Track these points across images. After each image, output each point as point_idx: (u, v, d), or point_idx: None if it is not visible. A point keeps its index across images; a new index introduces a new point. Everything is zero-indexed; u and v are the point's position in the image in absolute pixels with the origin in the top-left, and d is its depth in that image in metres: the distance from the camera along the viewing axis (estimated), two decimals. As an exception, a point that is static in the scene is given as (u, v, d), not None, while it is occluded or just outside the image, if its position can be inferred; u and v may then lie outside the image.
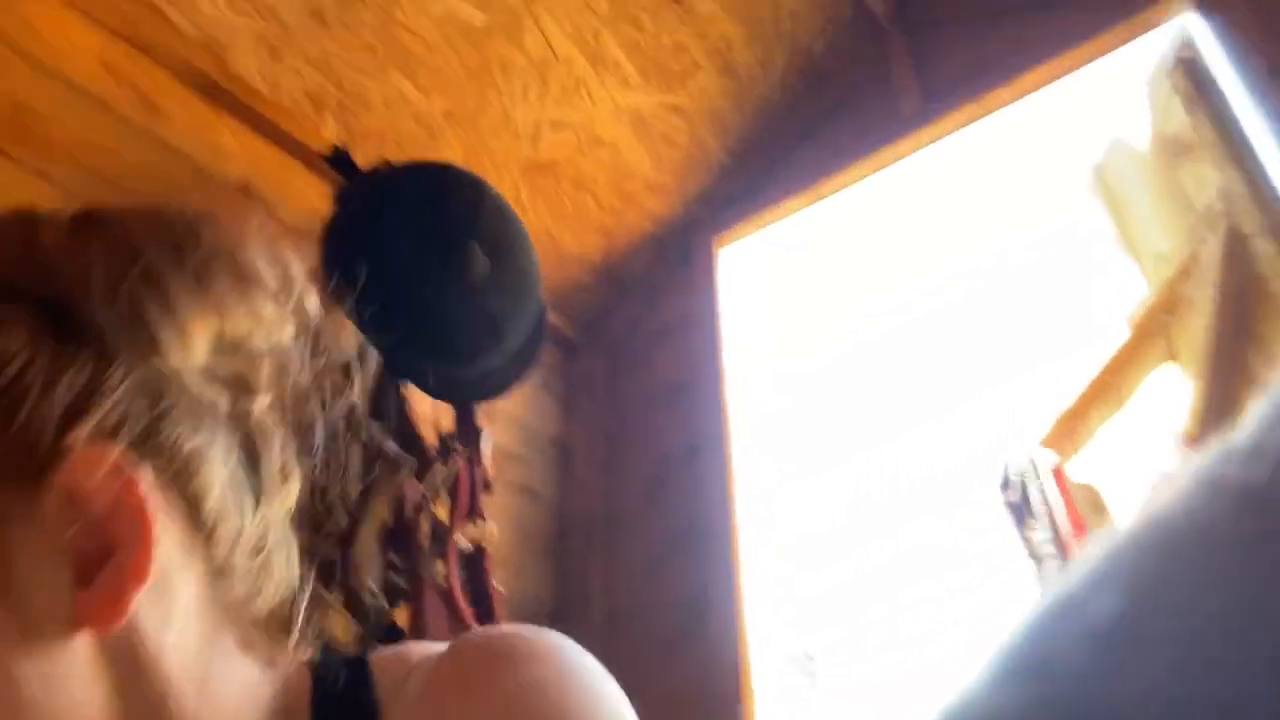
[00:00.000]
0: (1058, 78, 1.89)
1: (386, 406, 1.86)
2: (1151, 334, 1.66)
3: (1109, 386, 1.72)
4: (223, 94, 1.78)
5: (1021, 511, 1.81)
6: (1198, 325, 1.53)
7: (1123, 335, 1.67)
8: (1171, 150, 1.83)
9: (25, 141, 1.48)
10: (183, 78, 1.74)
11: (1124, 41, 1.83)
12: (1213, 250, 1.60)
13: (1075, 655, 0.14)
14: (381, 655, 0.55)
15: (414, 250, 1.50)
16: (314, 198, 1.91)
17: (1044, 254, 2.17)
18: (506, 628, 0.53)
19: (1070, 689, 0.14)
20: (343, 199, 1.67)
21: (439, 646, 0.54)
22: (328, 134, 1.94)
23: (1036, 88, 1.91)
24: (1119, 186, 1.97)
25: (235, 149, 1.81)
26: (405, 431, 1.64)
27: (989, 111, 1.95)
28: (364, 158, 1.80)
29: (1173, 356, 1.59)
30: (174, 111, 1.72)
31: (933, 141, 2.00)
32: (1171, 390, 1.54)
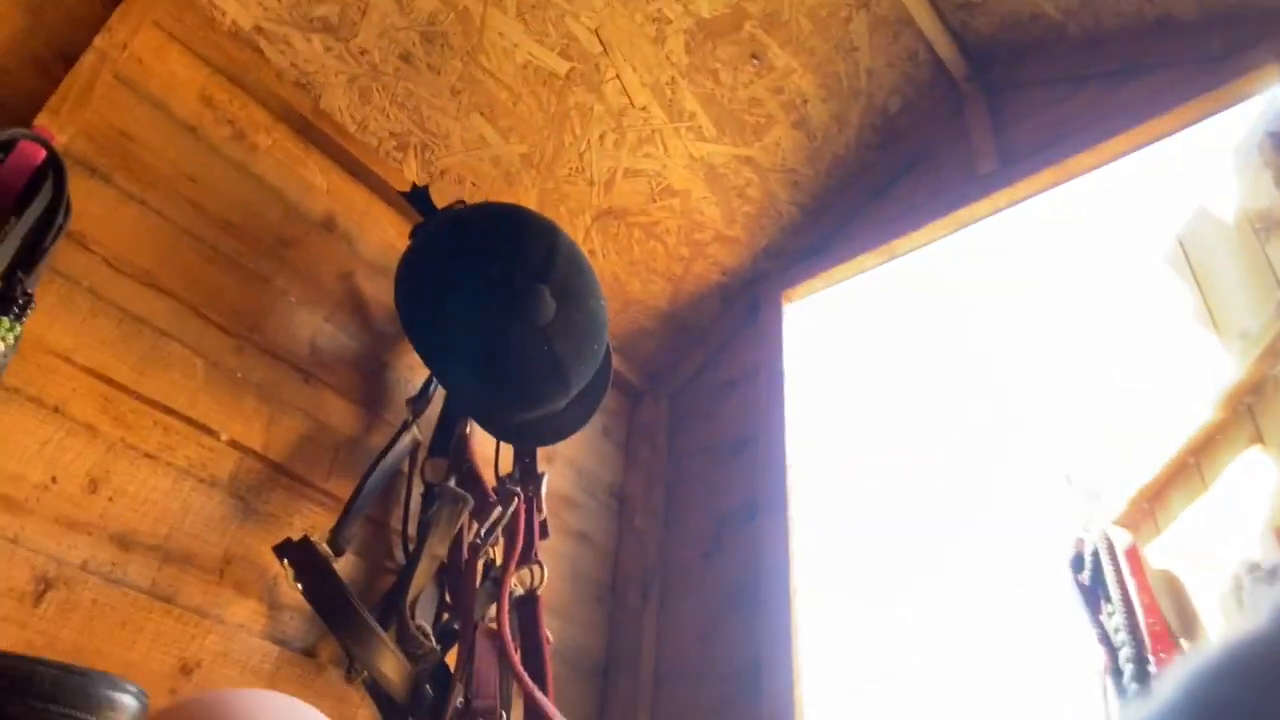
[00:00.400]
0: (1141, 145, 1.85)
1: (449, 444, 1.88)
2: (1236, 415, 1.60)
3: (1190, 467, 1.66)
4: (313, 131, 1.85)
5: (1095, 594, 1.74)
6: (1288, 408, 1.47)
7: (1206, 414, 1.61)
8: (1259, 224, 1.77)
9: (127, 168, 1.54)
10: (276, 114, 1.81)
11: (1212, 111, 1.79)
12: (1304, 330, 1.53)
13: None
14: None
15: (484, 290, 1.52)
16: (393, 235, 1.96)
17: (1123, 326, 2.11)
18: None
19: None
20: (418, 235, 1.71)
21: None
22: (409, 173, 1.99)
23: (1119, 154, 1.87)
24: (1203, 259, 1.92)
25: (321, 184, 1.86)
26: (465, 471, 1.65)
27: (1069, 176, 1.92)
28: (442, 198, 1.84)
29: (1260, 439, 1.53)
30: (266, 146, 1.78)
31: (1010, 204, 1.97)
32: (1258, 475, 1.47)
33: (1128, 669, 1.62)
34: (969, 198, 1.97)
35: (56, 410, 1.34)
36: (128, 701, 0.91)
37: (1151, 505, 1.75)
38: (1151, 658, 1.57)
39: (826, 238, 2.23)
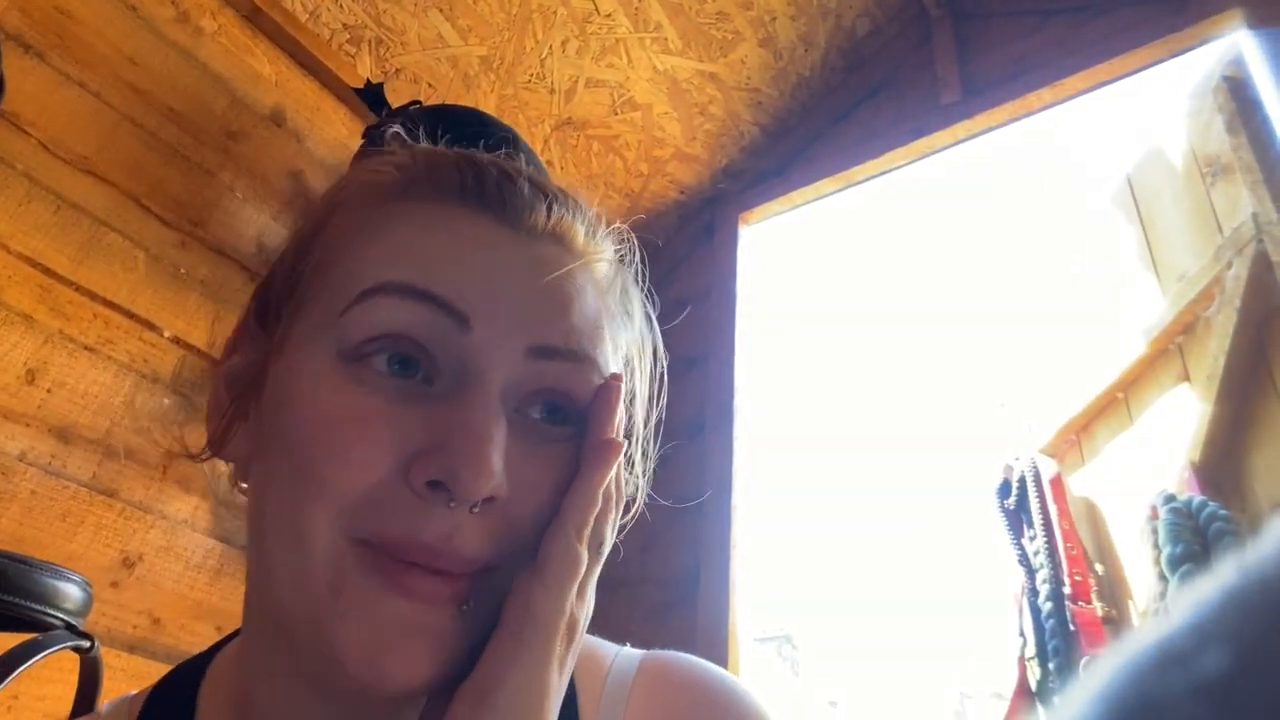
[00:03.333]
0: (1102, 83, 1.87)
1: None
2: (1167, 353, 1.66)
3: (1118, 402, 1.72)
4: (262, 18, 1.77)
5: (1019, 519, 1.82)
6: (1215, 349, 1.53)
7: (1138, 351, 1.67)
8: (1207, 168, 1.81)
9: (64, 47, 1.46)
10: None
11: (1173, 53, 1.80)
12: (1238, 275, 1.59)
13: (1183, 708, 0.14)
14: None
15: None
16: (344, 133, 1.90)
17: (1066, 260, 2.16)
18: (729, 682, 0.54)
19: None
20: (372, 136, 1.66)
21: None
22: (362, 70, 1.92)
23: (1080, 91, 1.88)
24: (1150, 200, 1.96)
25: (270, 75, 1.79)
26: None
27: (1030, 110, 1.93)
28: (396, 97, 1.79)
29: (1186, 378, 1.59)
30: (212, 31, 1.70)
31: (970, 136, 1.98)
32: (1182, 412, 1.54)
33: (1043, 589, 1.71)
34: (931, 127, 1.98)
35: (-9, 298, 1.30)
36: (71, 590, 0.91)
37: (1078, 437, 1.83)
38: (1067, 580, 1.66)
39: (787, 160, 2.22)
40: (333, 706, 0.44)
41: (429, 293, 0.41)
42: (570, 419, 0.44)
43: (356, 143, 1.67)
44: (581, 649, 0.49)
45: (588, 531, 0.43)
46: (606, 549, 0.46)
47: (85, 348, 1.39)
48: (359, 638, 0.39)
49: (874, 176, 2.08)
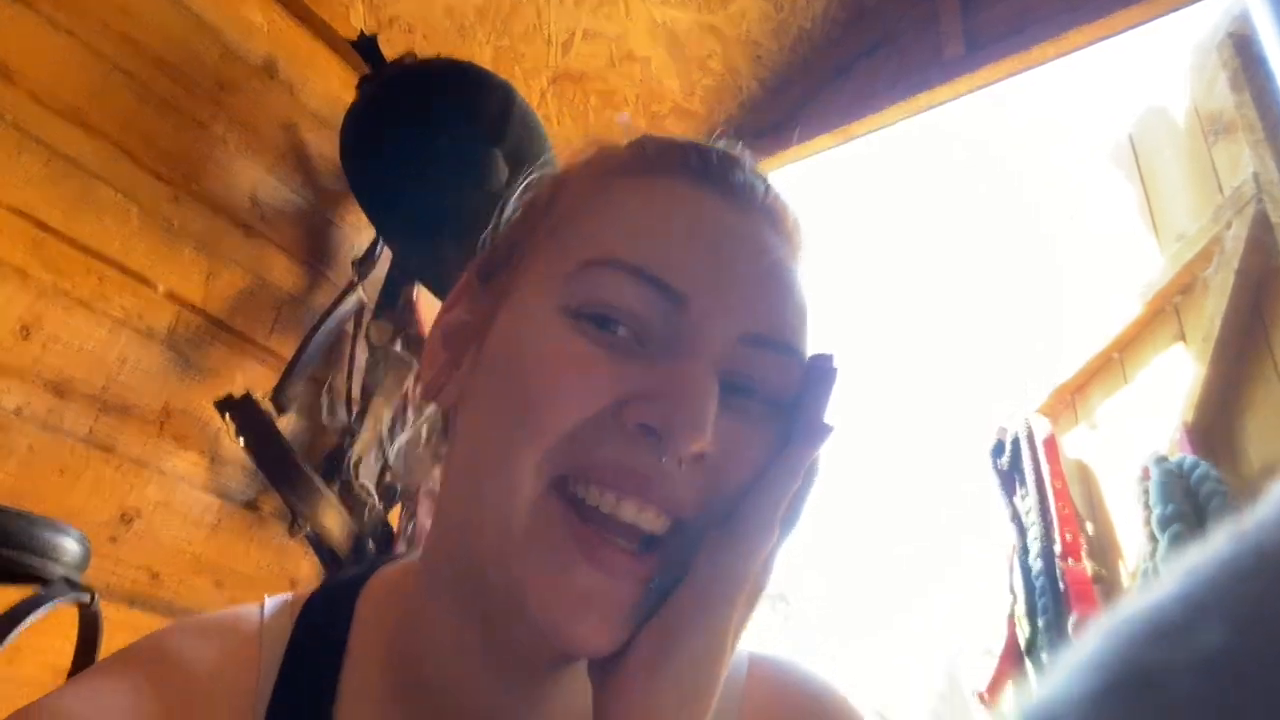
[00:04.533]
0: (1106, 36, 1.84)
1: (395, 307, 1.87)
2: (1163, 313, 1.66)
3: (1113, 362, 1.73)
4: (252, -33, 1.73)
5: (1012, 479, 1.83)
6: (1212, 309, 1.52)
7: (1134, 311, 1.66)
8: (1209, 127, 1.79)
9: (48, -4, 1.43)
10: (212, -55, 1.69)
11: (1178, 6, 1.77)
12: (1237, 235, 1.58)
13: (1185, 680, 0.14)
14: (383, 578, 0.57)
15: (435, 151, 1.47)
16: (338, 86, 1.87)
17: (1066, 218, 2.15)
18: (832, 693, 0.57)
19: (1183, 710, 0.14)
20: (366, 89, 1.64)
21: None
22: (355, 19, 1.89)
23: (1084, 44, 1.85)
24: (1151, 158, 1.94)
25: (262, 24, 1.76)
26: (412, 335, 1.65)
27: (1033, 64, 1.90)
28: (391, 49, 1.76)
29: (1182, 338, 1.59)
30: (202, -20, 1.67)
31: (972, 90, 1.95)
32: (1177, 373, 1.54)
33: (1034, 547, 1.73)
34: (933, 81, 1.95)
35: (-18, 252, 1.29)
36: (70, 545, 0.92)
37: (1073, 397, 1.83)
38: (1058, 539, 1.68)
39: (786, 116, 2.20)
40: (495, 651, 0.47)
41: (651, 275, 0.43)
42: (772, 401, 0.46)
43: (350, 95, 1.65)
44: None
45: (785, 504, 0.45)
46: (795, 525, 0.48)
47: (79, 302, 1.39)
48: (548, 599, 0.42)
49: (873, 131, 2.06)
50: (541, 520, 0.42)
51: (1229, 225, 1.59)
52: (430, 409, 0.58)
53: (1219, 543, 0.16)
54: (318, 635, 0.53)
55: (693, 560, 0.43)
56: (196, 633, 0.52)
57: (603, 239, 0.45)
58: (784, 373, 0.46)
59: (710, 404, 0.42)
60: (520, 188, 0.56)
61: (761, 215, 0.48)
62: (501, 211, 0.56)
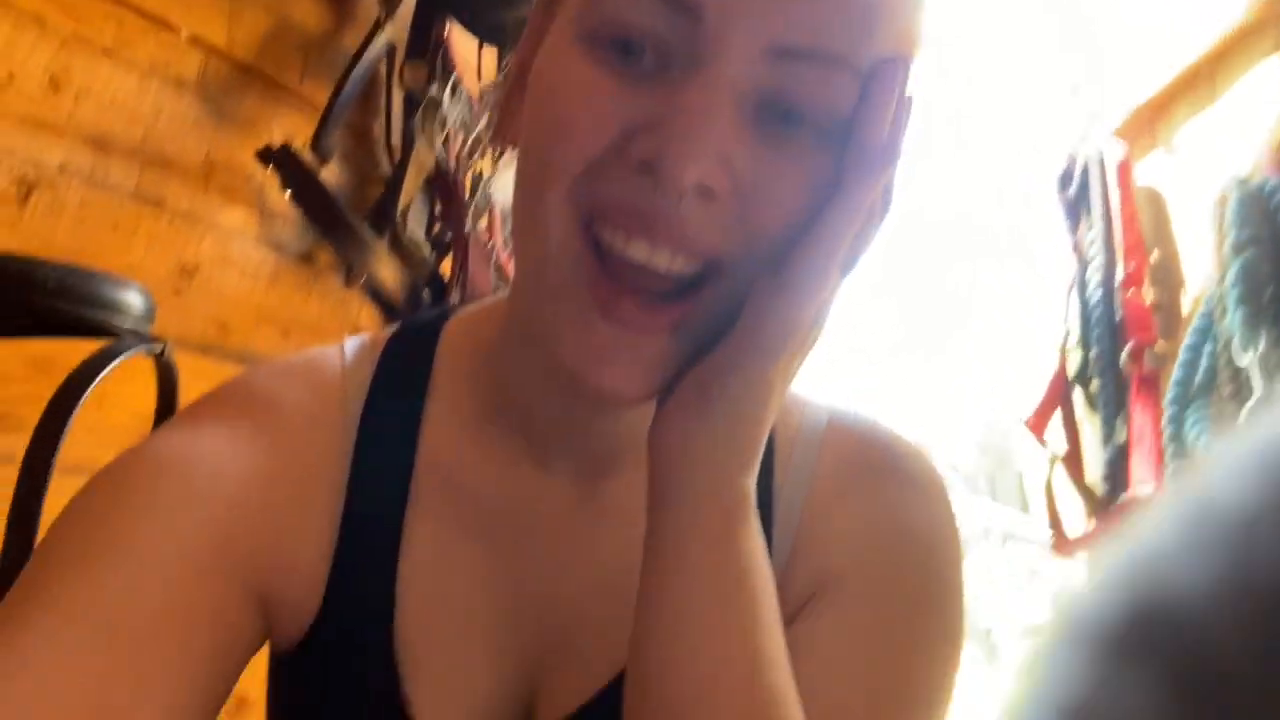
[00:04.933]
0: None
1: (427, 46, 1.79)
2: (1266, 19, 1.49)
3: (1202, 76, 1.58)
4: None
5: (1077, 210, 1.75)
6: (1322, 14, 1.37)
7: (1234, 15, 1.50)
8: None
9: None
10: None
11: None
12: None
13: (1201, 561, 0.13)
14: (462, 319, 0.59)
15: None
16: None
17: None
18: (910, 448, 0.58)
19: (1270, 556, 0.12)
20: None
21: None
22: None
23: None
24: None
25: None
26: (447, 76, 1.57)
27: None
28: None
29: (1283, 49, 1.44)
30: None
31: None
32: (1273, 89, 1.42)
33: (1094, 278, 1.69)
34: None
35: (-4, -1, 1.23)
36: (134, 299, 0.94)
37: (1154, 117, 1.71)
38: (1121, 266, 1.63)
39: None
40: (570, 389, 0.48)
41: None
42: (822, 128, 0.41)
43: None
44: None
45: (844, 250, 0.42)
46: (856, 266, 0.46)
47: (104, 51, 1.33)
48: (574, 350, 0.42)
49: None
50: (568, 265, 0.42)
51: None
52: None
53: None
54: (402, 368, 0.55)
55: (746, 303, 0.42)
56: (283, 374, 0.55)
57: None
58: (836, 91, 0.40)
59: (710, 129, 0.38)
60: None
61: None
62: None
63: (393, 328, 0.59)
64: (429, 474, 0.53)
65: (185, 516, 0.45)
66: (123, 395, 1.29)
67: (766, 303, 0.42)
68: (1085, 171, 1.75)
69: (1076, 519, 1.75)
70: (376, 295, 1.57)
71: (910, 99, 0.43)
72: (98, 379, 0.86)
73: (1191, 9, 1.61)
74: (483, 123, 1.59)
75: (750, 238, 0.41)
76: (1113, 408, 1.64)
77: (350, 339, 0.58)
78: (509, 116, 0.50)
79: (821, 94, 0.40)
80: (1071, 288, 1.78)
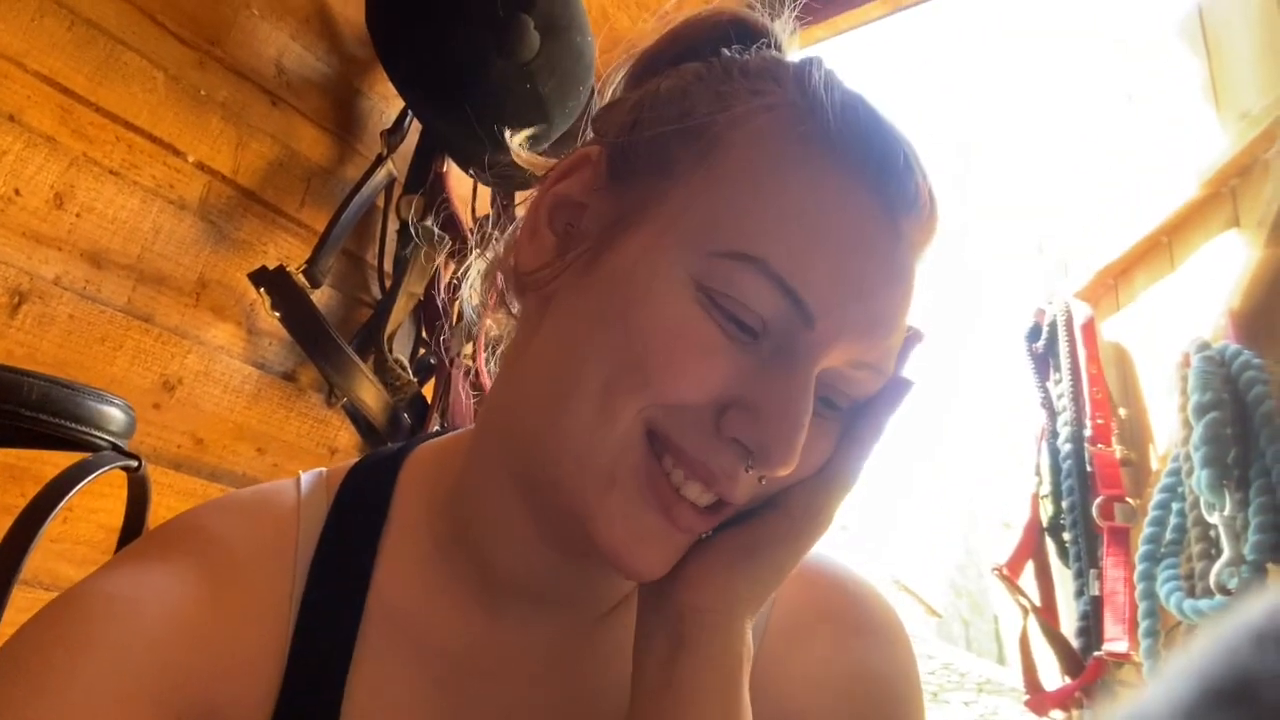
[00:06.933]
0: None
1: (425, 181, 1.85)
2: (1218, 196, 1.59)
3: (1161, 246, 1.67)
4: None
5: (1047, 363, 1.81)
6: (1270, 193, 1.46)
7: (1188, 192, 1.60)
8: (1285, -4, 1.67)
9: None
10: None
11: None
12: (1305, 114, 1.49)
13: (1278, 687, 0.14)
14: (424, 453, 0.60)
15: (465, 19, 1.42)
16: (362, -54, 1.79)
17: (1128, 96, 2.05)
18: (867, 590, 0.61)
19: (1269, 718, 0.14)
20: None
21: None
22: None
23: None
24: (1219, 31, 1.83)
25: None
26: (442, 209, 1.63)
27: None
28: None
29: (1236, 223, 1.53)
30: None
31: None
32: (1227, 258, 1.49)
33: (1064, 431, 1.73)
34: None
35: (13, 119, 1.28)
36: (115, 415, 0.94)
37: (1116, 281, 1.79)
38: (1089, 423, 1.67)
39: (831, -20, 2.08)
40: (541, 530, 0.51)
41: (792, 289, 0.44)
42: (843, 410, 0.49)
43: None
44: None
45: (872, 454, 0.50)
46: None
47: (110, 172, 1.38)
48: (616, 534, 0.46)
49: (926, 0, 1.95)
50: (626, 460, 0.45)
51: (1297, 103, 1.50)
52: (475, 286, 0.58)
53: None
54: (359, 502, 0.56)
55: (786, 492, 0.48)
56: (234, 510, 0.55)
57: (759, 231, 0.44)
58: (873, 387, 0.49)
59: (803, 433, 0.44)
60: (684, 72, 0.54)
61: (915, 223, 0.48)
62: (643, 87, 0.55)
63: (351, 462, 0.59)
64: (380, 614, 0.52)
65: (124, 656, 0.45)
66: (91, 508, 1.27)
67: (813, 500, 0.48)
68: (1053, 326, 1.82)
69: (1053, 671, 1.73)
70: (356, 416, 1.57)
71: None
72: (71, 493, 0.86)
73: (1149, 181, 1.71)
74: (474, 255, 1.63)
75: (771, 492, 0.48)
76: (1085, 561, 1.65)
77: (305, 473, 0.58)
78: (551, 265, 0.51)
79: (864, 392, 0.49)
80: (1042, 438, 1.81)
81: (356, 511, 0.55)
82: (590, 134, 0.56)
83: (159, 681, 0.45)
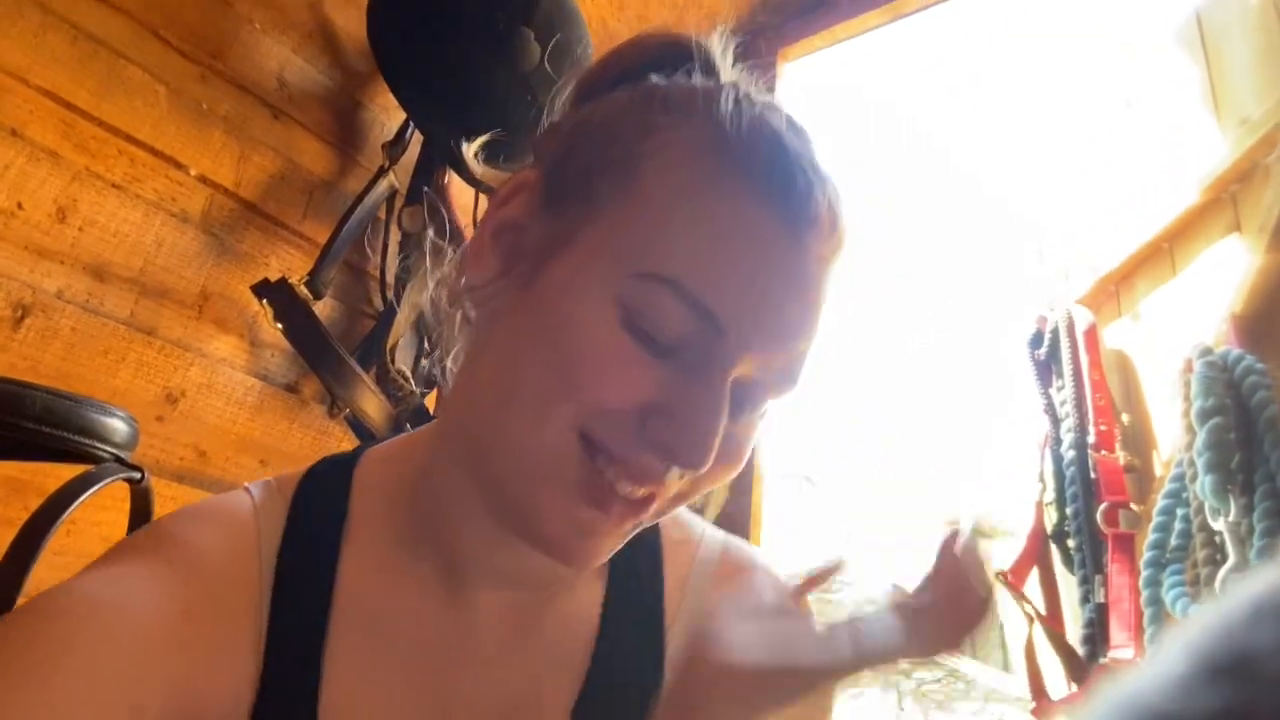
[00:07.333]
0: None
1: (426, 192, 1.85)
2: (1219, 201, 1.59)
3: (1162, 252, 1.67)
4: None
5: (1049, 369, 1.81)
6: (1271, 198, 1.46)
7: (1189, 199, 1.60)
8: (1283, 2, 1.68)
9: None
10: None
11: None
12: (1304, 119, 1.50)
13: (1277, 661, 0.14)
14: (375, 456, 0.63)
15: (465, 32, 1.43)
16: (363, -41, 1.80)
17: (1127, 102, 2.05)
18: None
19: (1268, 692, 0.13)
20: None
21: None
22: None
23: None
24: (1217, 38, 1.83)
25: (282, -105, 1.69)
26: (445, 220, 1.63)
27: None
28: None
29: (1237, 228, 1.53)
30: None
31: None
32: (1229, 263, 1.49)
33: (1067, 438, 1.72)
34: (986, -47, 1.83)
35: (15, 134, 1.28)
36: (119, 426, 0.94)
37: (1118, 287, 1.78)
38: (1092, 429, 1.66)
39: (829, -10, 2.09)
40: (499, 520, 0.54)
41: (706, 307, 0.47)
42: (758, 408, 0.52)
43: (376, -31, 1.59)
44: (674, 520, 0.65)
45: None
46: None
47: (113, 185, 1.39)
48: (554, 529, 0.50)
49: (924, 8, 1.96)
50: (562, 461, 0.49)
51: (1296, 108, 1.50)
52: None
53: None
54: (317, 505, 0.58)
55: None
56: (195, 518, 0.56)
57: (672, 254, 0.48)
58: (784, 390, 0.52)
59: (718, 435, 0.48)
60: (600, 88, 0.58)
61: (818, 237, 0.51)
62: (581, 101, 0.58)
63: (299, 469, 0.61)
64: (348, 607, 0.55)
65: (100, 658, 0.45)
66: (95, 521, 1.27)
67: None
68: (1055, 333, 1.81)
69: (1058, 679, 1.72)
70: (359, 428, 1.57)
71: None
72: (72, 507, 0.86)
73: (1149, 187, 1.71)
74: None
75: (699, 487, 0.53)
76: (1090, 568, 1.64)
77: (252, 483, 0.60)
78: (493, 283, 0.55)
79: (778, 392, 0.52)
80: (1045, 444, 1.81)
81: (316, 510, 0.58)
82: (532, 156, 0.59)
83: (139, 684, 0.46)
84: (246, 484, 0.60)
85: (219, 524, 0.55)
